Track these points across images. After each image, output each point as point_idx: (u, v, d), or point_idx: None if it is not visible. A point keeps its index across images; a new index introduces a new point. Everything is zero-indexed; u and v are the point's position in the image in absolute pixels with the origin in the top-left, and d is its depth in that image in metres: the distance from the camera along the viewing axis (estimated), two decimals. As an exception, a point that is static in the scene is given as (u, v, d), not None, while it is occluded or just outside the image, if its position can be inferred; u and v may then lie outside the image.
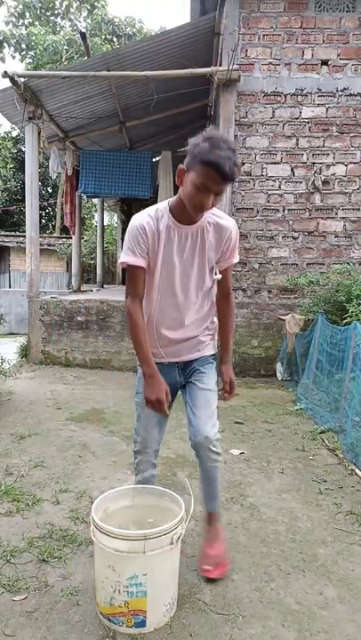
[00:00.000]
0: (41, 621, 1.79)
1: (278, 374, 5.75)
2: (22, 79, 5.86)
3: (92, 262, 15.51)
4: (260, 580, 2.07)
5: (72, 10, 20.15)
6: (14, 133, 20.77)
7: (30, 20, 20.25)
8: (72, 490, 2.83)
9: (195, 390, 2.09)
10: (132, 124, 8.15)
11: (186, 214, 1.87)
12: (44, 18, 20.35)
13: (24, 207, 9.78)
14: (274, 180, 5.85)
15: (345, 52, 5.64)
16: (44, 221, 22.98)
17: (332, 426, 3.91)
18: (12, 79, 5.64)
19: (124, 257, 1.91)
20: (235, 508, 2.69)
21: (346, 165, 5.79)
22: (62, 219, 12.70)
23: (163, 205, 1.94)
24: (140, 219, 1.91)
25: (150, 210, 1.94)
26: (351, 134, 5.75)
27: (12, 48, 18.96)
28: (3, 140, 20.16)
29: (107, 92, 6.87)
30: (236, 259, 2.07)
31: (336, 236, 5.88)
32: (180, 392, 2.23)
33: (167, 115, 7.97)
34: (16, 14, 19.82)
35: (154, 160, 8.67)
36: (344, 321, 4.56)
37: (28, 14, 20.10)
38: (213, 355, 2.18)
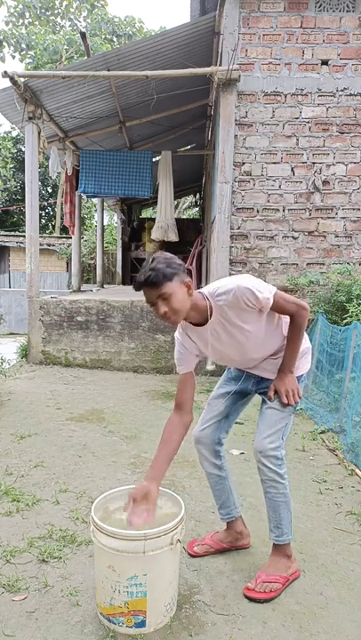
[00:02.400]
0: (41, 621, 1.79)
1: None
2: (22, 79, 5.85)
3: (92, 262, 15.51)
4: (260, 581, 2.07)
5: (72, 9, 20.16)
6: (14, 133, 20.79)
7: (30, 20, 20.27)
8: (72, 490, 2.83)
9: (262, 406, 2.12)
10: (132, 123, 8.15)
11: (192, 322, 1.96)
12: (43, 17, 20.36)
13: (24, 207, 9.80)
14: (274, 180, 5.84)
15: (345, 52, 5.64)
16: (43, 221, 22.99)
17: (332, 426, 3.91)
18: (12, 79, 5.64)
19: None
20: (235, 508, 2.68)
21: (346, 165, 5.79)
22: (62, 219, 12.70)
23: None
24: (175, 336, 2.09)
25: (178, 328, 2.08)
26: (351, 134, 5.74)
27: (12, 48, 18.97)
28: (3, 140, 20.15)
29: (107, 92, 6.87)
30: (266, 303, 1.85)
31: (336, 236, 5.88)
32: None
33: (167, 114, 7.97)
34: (16, 14, 19.83)
35: (154, 160, 8.67)
36: (344, 321, 4.57)
37: (28, 14, 20.12)
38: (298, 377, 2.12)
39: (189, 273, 8.28)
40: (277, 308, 1.92)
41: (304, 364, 2.11)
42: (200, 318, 1.91)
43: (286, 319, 1.99)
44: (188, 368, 2.05)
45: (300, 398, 2.05)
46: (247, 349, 1.98)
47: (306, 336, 2.06)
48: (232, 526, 2.28)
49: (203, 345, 2.01)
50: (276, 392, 2.01)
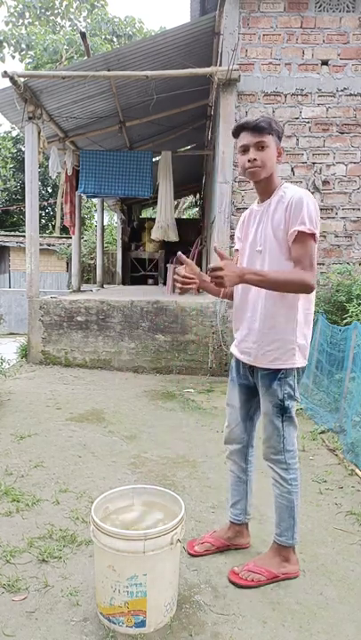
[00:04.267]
0: (41, 621, 1.79)
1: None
2: (22, 79, 5.85)
3: (92, 262, 15.51)
4: (260, 580, 2.07)
5: (72, 10, 20.16)
6: (14, 133, 20.79)
7: (30, 20, 20.27)
8: (72, 490, 2.83)
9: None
10: (132, 123, 8.15)
11: (258, 192, 2.08)
12: (43, 18, 20.37)
13: (24, 207, 9.80)
14: (274, 180, 5.84)
15: (345, 52, 5.64)
16: (43, 221, 22.99)
17: (332, 426, 3.91)
18: (12, 79, 5.63)
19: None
20: (235, 508, 2.68)
21: (346, 165, 5.79)
22: (62, 219, 12.70)
23: None
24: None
25: None
26: (351, 134, 5.74)
27: (12, 48, 18.96)
28: (2, 140, 20.16)
29: (107, 92, 6.87)
30: (300, 227, 1.85)
31: (336, 236, 5.88)
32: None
33: (167, 114, 7.97)
34: (16, 14, 19.83)
35: (154, 160, 8.67)
36: (344, 321, 4.57)
37: (28, 14, 20.12)
38: (277, 371, 1.97)
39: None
40: (294, 247, 1.89)
41: (289, 357, 1.96)
42: (266, 192, 2.03)
43: (298, 304, 1.94)
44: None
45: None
46: (256, 261, 2.01)
47: (303, 334, 1.99)
48: (234, 526, 2.28)
49: (246, 230, 2.11)
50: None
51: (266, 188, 2.02)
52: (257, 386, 2.08)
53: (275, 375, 1.98)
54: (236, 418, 2.19)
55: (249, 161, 1.93)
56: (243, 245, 2.13)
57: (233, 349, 2.18)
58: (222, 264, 1.80)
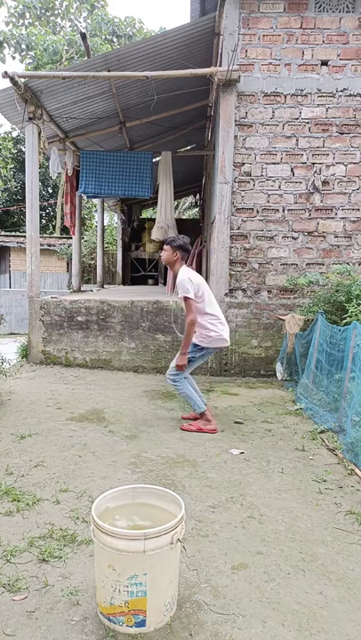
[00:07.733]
0: (41, 621, 1.80)
1: (278, 374, 5.76)
2: (23, 79, 5.86)
3: (93, 262, 15.52)
4: (260, 580, 2.07)
5: (72, 10, 20.16)
6: (15, 134, 20.80)
7: (30, 21, 20.26)
8: (72, 489, 2.84)
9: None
10: (132, 124, 8.15)
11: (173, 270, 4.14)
12: (44, 18, 20.35)
13: (24, 207, 9.79)
14: (274, 181, 5.85)
15: (345, 53, 5.64)
16: (44, 221, 23.00)
17: (331, 426, 3.91)
18: (12, 79, 5.64)
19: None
20: (235, 508, 2.69)
21: (346, 165, 5.80)
22: (62, 219, 12.70)
23: None
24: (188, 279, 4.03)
25: None
26: (351, 134, 5.75)
27: (12, 48, 18.95)
28: (3, 141, 20.15)
29: (107, 93, 6.87)
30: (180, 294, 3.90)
31: (336, 237, 5.89)
32: None
33: (167, 115, 7.97)
34: (16, 15, 19.82)
35: (154, 160, 8.68)
36: (344, 321, 4.56)
37: (28, 14, 20.11)
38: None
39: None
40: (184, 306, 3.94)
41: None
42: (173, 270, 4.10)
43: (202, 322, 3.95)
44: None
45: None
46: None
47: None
48: (204, 415, 3.97)
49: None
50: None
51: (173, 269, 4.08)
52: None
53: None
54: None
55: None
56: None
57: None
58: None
